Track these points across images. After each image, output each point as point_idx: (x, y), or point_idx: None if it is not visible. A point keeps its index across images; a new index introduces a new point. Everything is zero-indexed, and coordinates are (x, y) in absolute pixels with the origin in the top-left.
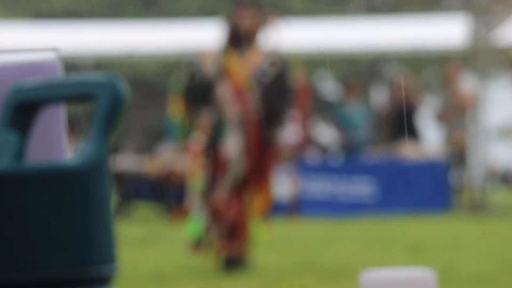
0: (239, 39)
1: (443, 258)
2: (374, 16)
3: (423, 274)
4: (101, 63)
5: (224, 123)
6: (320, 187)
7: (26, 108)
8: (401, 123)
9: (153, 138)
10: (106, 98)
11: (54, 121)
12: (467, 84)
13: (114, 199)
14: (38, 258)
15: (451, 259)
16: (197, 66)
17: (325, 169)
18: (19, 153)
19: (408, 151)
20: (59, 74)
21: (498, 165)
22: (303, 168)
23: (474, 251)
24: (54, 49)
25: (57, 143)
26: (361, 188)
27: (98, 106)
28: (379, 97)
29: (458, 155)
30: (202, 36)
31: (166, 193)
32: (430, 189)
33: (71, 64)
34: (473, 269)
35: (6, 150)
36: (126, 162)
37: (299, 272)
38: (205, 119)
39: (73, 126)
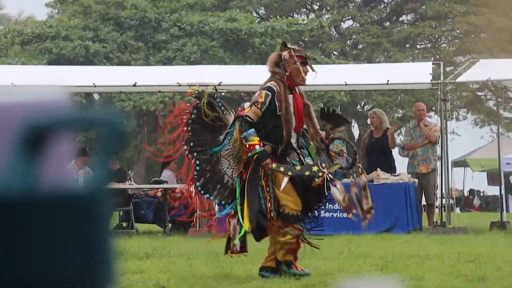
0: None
1: (410, 272)
2: (356, 63)
3: (392, 286)
4: (112, 99)
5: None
6: None
7: (37, 138)
8: (377, 154)
9: (159, 164)
10: (107, 132)
11: (62, 151)
12: (432, 121)
13: (124, 218)
14: (41, 277)
15: (417, 273)
16: None
17: None
18: (29, 180)
19: (382, 178)
20: (68, 109)
21: (455, 191)
22: None
23: (437, 266)
24: (64, 87)
25: (64, 171)
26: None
27: (100, 139)
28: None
29: (424, 182)
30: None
31: (168, 212)
32: (401, 211)
33: (82, 100)
34: (437, 283)
35: (17, 176)
36: (135, 185)
37: (280, 284)
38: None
39: (84, 154)
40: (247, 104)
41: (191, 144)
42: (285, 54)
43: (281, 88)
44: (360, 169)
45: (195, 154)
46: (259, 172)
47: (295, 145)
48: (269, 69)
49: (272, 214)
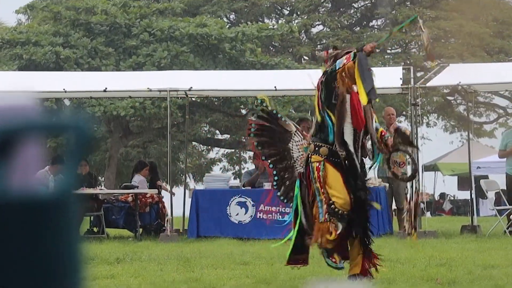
0: None
1: (381, 276)
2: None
3: (361, 286)
4: (82, 104)
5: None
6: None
7: (5, 143)
8: None
9: (129, 169)
10: (74, 138)
11: (30, 156)
12: (402, 126)
13: (95, 223)
14: (11, 279)
15: (388, 277)
16: None
17: None
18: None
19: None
20: (37, 114)
21: (425, 195)
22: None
23: (408, 270)
24: (34, 92)
25: (32, 175)
26: None
27: (68, 145)
28: None
29: (394, 186)
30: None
31: (138, 217)
32: (371, 215)
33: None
34: (408, 286)
35: None
36: (105, 190)
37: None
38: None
39: (59, 161)
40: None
41: (263, 157)
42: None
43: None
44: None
45: (270, 165)
46: (314, 175)
47: (351, 144)
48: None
49: (326, 216)
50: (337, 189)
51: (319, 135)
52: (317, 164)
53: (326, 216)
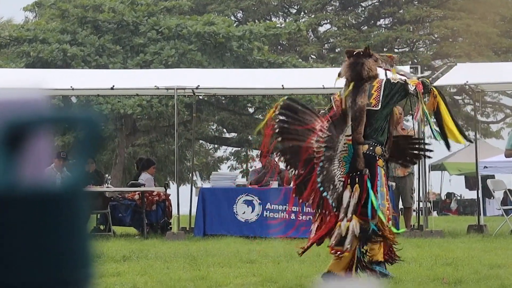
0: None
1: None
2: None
3: (371, 285)
4: (90, 102)
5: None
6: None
7: (15, 136)
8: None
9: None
10: (85, 132)
11: (41, 149)
12: (409, 125)
13: (102, 221)
14: (19, 273)
15: (395, 276)
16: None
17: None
18: (7, 177)
19: None
20: (47, 108)
21: (432, 195)
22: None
23: (415, 270)
24: (42, 88)
25: (42, 169)
26: None
27: (78, 139)
28: None
29: (401, 185)
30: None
31: (145, 215)
32: None
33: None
34: (414, 286)
35: None
36: (112, 188)
37: (257, 286)
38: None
39: (64, 157)
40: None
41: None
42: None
43: None
44: None
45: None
46: (382, 179)
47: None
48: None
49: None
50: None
51: (374, 136)
52: (383, 168)
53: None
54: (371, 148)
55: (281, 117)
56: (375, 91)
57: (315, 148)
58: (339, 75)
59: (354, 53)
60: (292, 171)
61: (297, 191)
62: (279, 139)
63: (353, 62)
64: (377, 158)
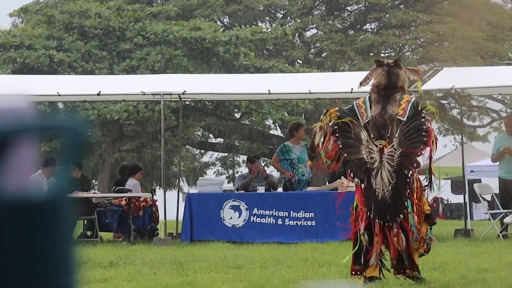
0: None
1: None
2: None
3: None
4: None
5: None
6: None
7: (1, 145)
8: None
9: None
10: (69, 140)
11: (25, 158)
12: None
13: (88, 227)
14: (4, 280)
15: (382, 280)
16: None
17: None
18: None
19: (347, 186)
20: (31, 116)
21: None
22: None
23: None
24: (27, 95)
25: (26, 177)
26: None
27: (62, 147)
28: None
29: None
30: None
31: (132, 221)
32: None
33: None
34: None
35: None
36: (99, 194)
37: None
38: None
39: (51, 164)
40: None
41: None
42: None
43: None
44: None
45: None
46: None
47: None
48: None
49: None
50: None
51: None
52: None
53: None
54: (403, 157)
55: (340, 132)
56: (404, 103)
57: (367, 159)
58: (364, 82)
59: (385, 63)
60: (358, 181)
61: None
62: (345, 154)
63: (388, 71)
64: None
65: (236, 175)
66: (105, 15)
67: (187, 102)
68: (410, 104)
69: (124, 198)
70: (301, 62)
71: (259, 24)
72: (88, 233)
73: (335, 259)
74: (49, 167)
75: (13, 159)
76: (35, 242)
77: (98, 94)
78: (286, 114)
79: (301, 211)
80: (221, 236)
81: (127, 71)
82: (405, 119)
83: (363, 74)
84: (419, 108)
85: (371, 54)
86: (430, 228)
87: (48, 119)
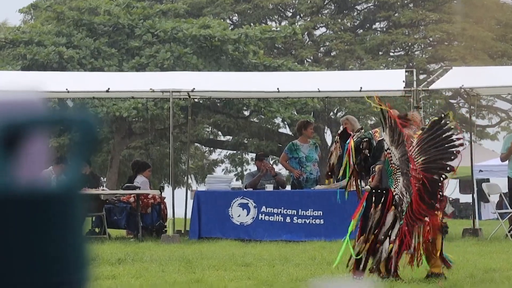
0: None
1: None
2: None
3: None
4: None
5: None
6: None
7: (12, 137)
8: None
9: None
10: (81, 133)
11: (37, 150)
12: None
13: (97, 223)
14: (14, 274)
15: (390, 279)
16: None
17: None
18: (4, 178)
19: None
20: (43, 109)
21: None
22: None
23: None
24: (38, 90)
25: (39, 170)
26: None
27: (74, 140)
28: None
29: None
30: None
31: (140, 218)
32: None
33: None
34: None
35: None
36: (107, 191)
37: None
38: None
39: (63, 161)
40: None
41: None
42: None
43: None
44: None
45: None
46: None
47: None
48: None
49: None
50: None
51: None
52: None
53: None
54: None
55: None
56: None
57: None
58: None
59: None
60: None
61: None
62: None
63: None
64: None
65: (245, 172)
66: (115, 12)
67: (196, 100)
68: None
69: (132, 195)
70: (310, 61)
71: (269, 22)
72: (97, 230)
73: (343, 257)
74: (60, 164)
75: (24, 152)
76: (45, 236)
77: (107, 91)
78: (295, 112)
79: (309, 209)
80: (229, 233)
81: (136, 68)
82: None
83: (372, 73)
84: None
85: (380, 53)
86: (443, 238)
87: (59, 114)
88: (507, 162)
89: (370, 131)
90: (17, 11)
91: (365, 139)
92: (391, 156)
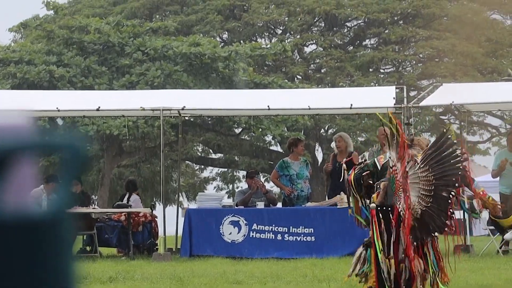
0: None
1: None
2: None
3: None
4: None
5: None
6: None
7: (0, 163)
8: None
9: (122, 187)
10: (69, 156)
11: (24, 175)
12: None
13: (88, 242)
14: None
15: None
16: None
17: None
18: None
19: (346, 201)
20: (31, 134)
21: None
22: None
23: None
24: (26, 111)
25: (26, 195)
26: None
27: (62, 164)
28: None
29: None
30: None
31: (131, 236)
32: (365, 234)
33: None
34: None
35: None
36: (98, 209)
37: None
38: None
39: (54, 180)
40: None
41: None
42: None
43: None
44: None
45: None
46: None
47: None
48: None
49: None
50: None
51: None
52: None
53: None
54: None
55: None
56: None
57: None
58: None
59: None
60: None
61: None
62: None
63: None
64: None
65: (236, 190)
66: (105, 30)
67: (186, 118)
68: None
69: (123, 214)
70: (300, 78)
71: (258, 40)
72: (88, 248)
73: (334, 275)
74: (51, 183)
75: (12, 177)
76: (34, 260)
77: (98, 110)
78: (285, 129)
79: (301, 227)
80: (220, 251)
81: (126, 86)
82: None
83: (362, 90)
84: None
85: (370, 70)
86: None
87: (48, 136)
88: (498, 178)
89: (375, 158)
90: (7, 30)
91: (366, 171)
92: (397, 173)
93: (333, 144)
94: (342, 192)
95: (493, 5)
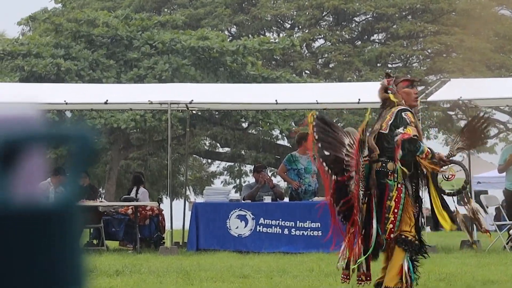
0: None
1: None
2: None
3: None
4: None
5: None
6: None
7: (8, 153)
8: None
9: (129, 180)
10: (78, 147)
11: (33, 166)
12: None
13: (95, 235)
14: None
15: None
16: None
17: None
18: (1, 195)
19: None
20: (40, 124)
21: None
22: None
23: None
24: (36, 103)
25: (35, 186)
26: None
27: (71, 155)
28: None
29: None
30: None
31: (138, 230)
32: None
33: (55, 115)
34: None
35: None
36: (105, 202)
37: None
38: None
39: (61, 173)
40: (401, 130)
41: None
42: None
43: None
44: (466, 198)
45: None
46: (392, 193)
47: None
48: (381, 97)
49: (392, 236)
50: (409, 216)
51: (387, 154)
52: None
53: (392, 236)
54: (383, 164)
55: (317, 127)
56: (388, 116)
57: (345, 161)
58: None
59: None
60: (334, 177)
61: (336, 198)
62: (319, 145)
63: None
64: (389, 174)
65: (243, 184)
66: (113, 24)
67: (194, 112)
68: (393, 117)
69: (130, 207)
70: (308, 72)
71: (267, 34)
72: (95, 241)
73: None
74: (58, 176)
75: (21, 168)
76: (42, 252)
77: (106, 103)
78: (293, 124)
79: (308, 221)
80: (227, 245)
81: (134, 80)
82: (387, 131)
83: (370, 85)
84: (402, 116)
85: (378, 64)
86: (413, 261)
87: (56, 127)
88: (504, 174)
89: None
90: (16, 23)
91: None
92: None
93: None
94: None
95: (501, 0)
